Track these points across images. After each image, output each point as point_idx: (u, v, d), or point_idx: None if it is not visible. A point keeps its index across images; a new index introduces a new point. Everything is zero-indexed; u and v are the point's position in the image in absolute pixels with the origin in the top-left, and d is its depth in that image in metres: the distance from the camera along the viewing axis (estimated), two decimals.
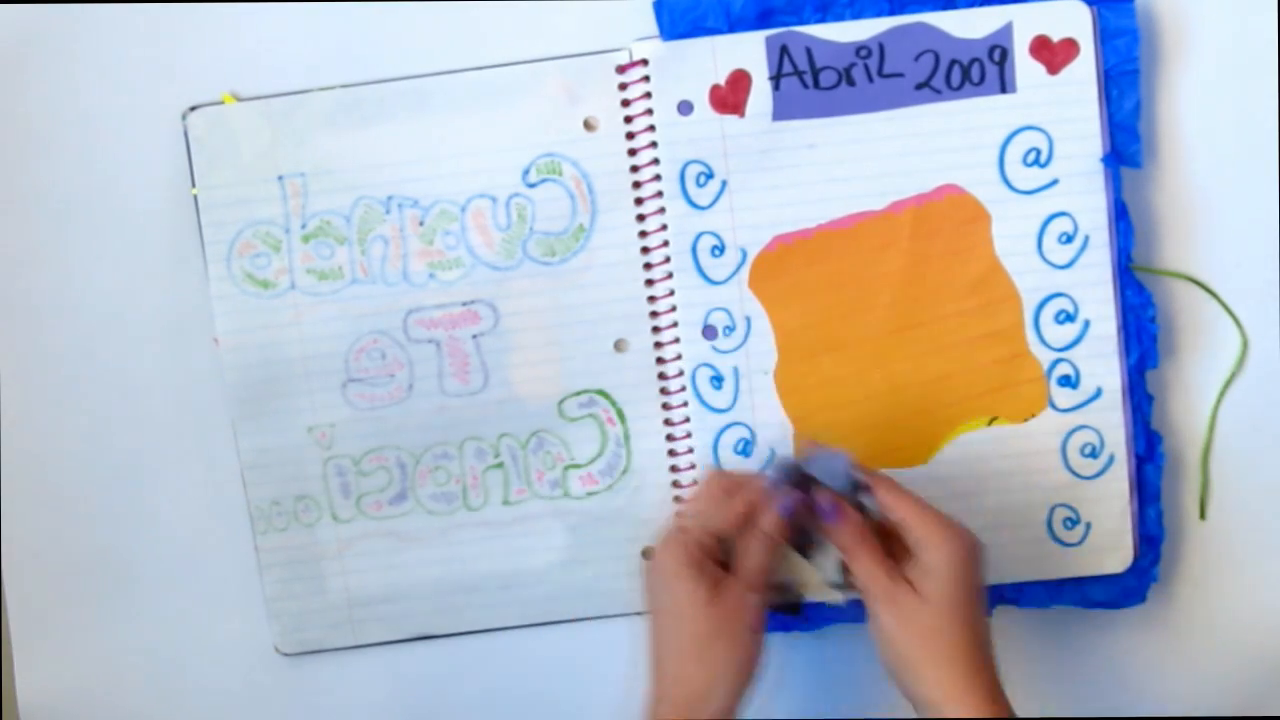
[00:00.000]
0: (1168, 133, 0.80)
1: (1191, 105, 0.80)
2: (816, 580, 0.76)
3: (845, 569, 0.73)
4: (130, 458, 0.84)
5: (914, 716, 0.69)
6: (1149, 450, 0.80)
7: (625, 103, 0.80)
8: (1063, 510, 0.81)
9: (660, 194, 0.80)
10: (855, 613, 0.77)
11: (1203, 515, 0.82)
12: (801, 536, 0.74)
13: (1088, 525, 0.81)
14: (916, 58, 0.78)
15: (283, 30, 0.81)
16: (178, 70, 0.81)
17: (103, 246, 0.82)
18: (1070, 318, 0.80)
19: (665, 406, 0.82)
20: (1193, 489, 0.82)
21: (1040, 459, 0.80)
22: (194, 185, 0.81)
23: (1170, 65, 0.80)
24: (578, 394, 0.82)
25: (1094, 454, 0.80)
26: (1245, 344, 0.81)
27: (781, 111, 0.79)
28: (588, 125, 0.80)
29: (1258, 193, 0.81)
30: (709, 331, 0.81)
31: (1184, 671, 0.83)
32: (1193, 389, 0.82)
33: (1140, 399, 0.80)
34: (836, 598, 0.76)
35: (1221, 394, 0.82)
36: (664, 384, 0.82)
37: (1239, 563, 0.83)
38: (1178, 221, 0.81)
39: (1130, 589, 0.81)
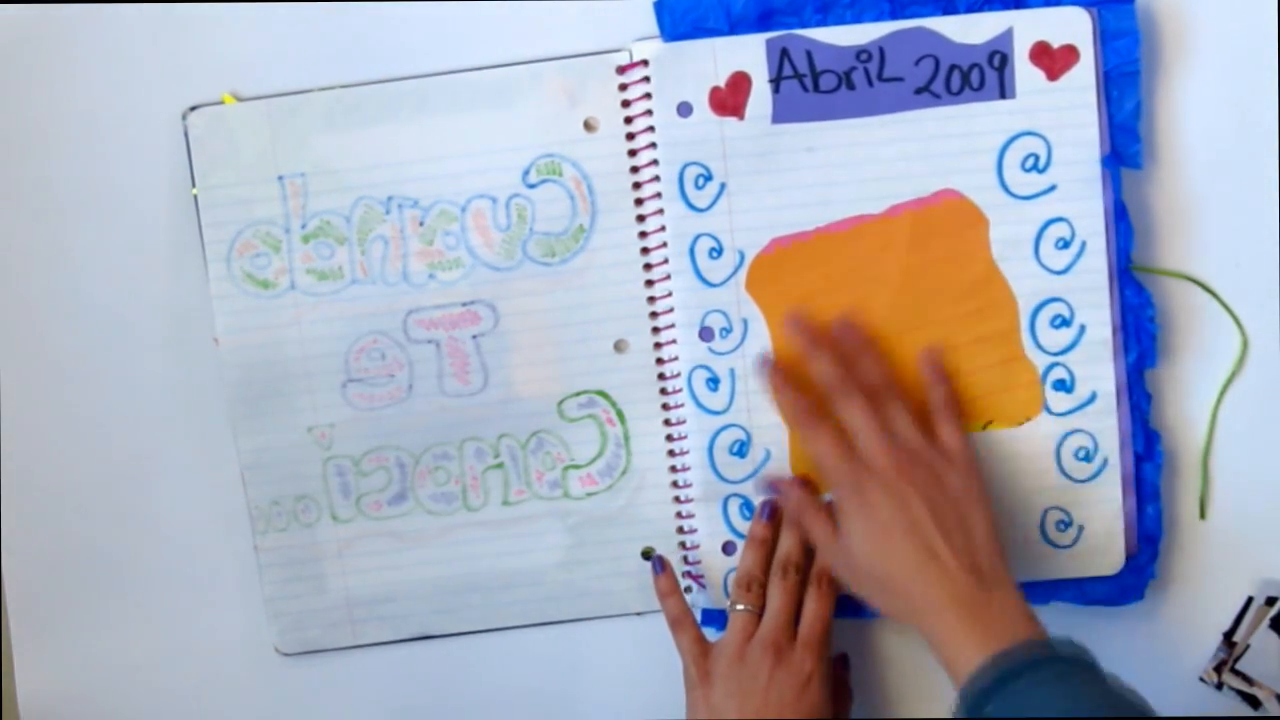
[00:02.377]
0: (1168, 133, 0.80)
1: (1192, 105, 0.80)
2: None
3: None
4: (130, 457, 0.84)
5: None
6: (1148, 449, 0.80)
7: (625, 103, 0.80)
8: (1056, 513, 0.81)
9: (660, 195, 0.80)
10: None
11: (1203, 514, 0.82)
12: None
13: (1080, 528, 0.81)
14: (917, 62, 0.78)
15: (283, 30, 0.81)
16: (178, 70, 0.81)
17: (103, 246, 0.82)
18: (1066, 322, 0.79)
19: (665, 407, 0.82)
20: (1193, 488, 0.82)
21: (1034, 462, 0.80)
22: (194, 185, 0.81)
23: (1171, 66, 0.80)
24: (578, 394, 0.82)
25: (1088, 458, 0.80)
26: (1245, 344, 0.81)
27: (781, 114, 0.79)
28: (588, 126, 0.80)
29: (1258, 192, 0.80)
30: (706, 333, 0.81)
31: (1182, 671, 0.83)
32: (1193, 389, 0.82)
33: (1139, 398, 0.80)
34: None
35: (1221, 394, 0.81)
36: (664, 385, 0.82)
37: (1239, 562, 0.82)
38: (1178, 221, 0.81)
39: (1128, 587, 0.81)
